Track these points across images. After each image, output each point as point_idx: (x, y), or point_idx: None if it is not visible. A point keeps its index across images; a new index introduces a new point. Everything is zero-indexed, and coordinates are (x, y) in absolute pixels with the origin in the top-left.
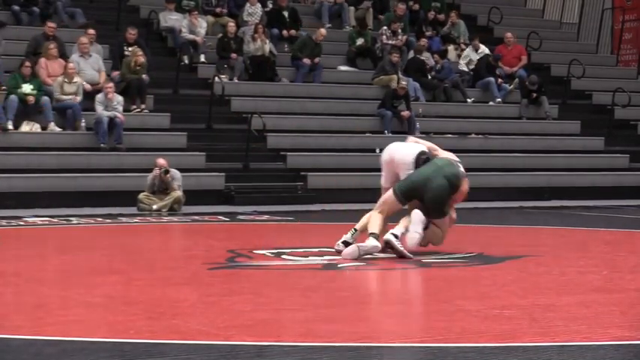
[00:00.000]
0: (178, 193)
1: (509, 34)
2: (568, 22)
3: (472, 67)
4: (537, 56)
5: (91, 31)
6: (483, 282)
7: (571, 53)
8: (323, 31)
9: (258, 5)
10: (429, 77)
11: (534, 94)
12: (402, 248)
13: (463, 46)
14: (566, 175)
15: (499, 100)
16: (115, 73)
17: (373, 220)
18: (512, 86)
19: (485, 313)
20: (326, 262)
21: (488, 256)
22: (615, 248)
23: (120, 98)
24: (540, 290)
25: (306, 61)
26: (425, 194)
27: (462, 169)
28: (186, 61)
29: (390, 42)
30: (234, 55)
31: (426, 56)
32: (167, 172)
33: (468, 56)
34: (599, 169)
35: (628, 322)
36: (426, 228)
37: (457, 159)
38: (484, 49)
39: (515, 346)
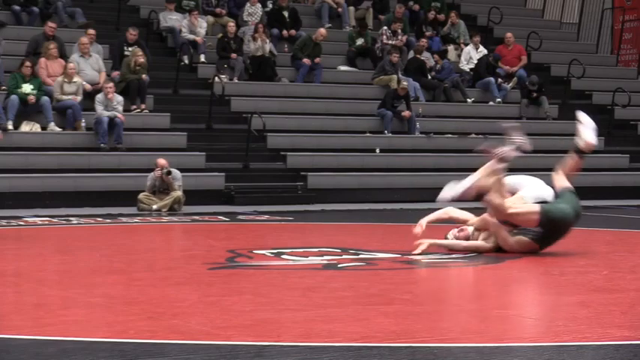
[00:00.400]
0: (178, 193)
1: (509, 34)
2: (568, 22)
3: (472, 65)
4: (537, 56)
5: (91, 31)
6: (483, 282)
7: (571, 53)
8: (323, 30)
9: (258, 5)
10: (429, 77)
11: (534, 94)
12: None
13: (463, 46)
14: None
15: (499, 100)
16: (115, 74)
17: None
18: (510, 84)
19: (485, 313)
20: (326, 262)
21: (488, 256)
22: (615, 248)
23: (120, 98)
24: (540, 290)
25: (306, 60)
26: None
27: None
28: (186, 61)
29: (390, 42)
30: (234, 55)
31: (426, 56)
32: (169, 172)
33: (469, 54)
34: (599, 169)
35: (628, 322)
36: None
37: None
38: (483, 50)
39: (515, 346)
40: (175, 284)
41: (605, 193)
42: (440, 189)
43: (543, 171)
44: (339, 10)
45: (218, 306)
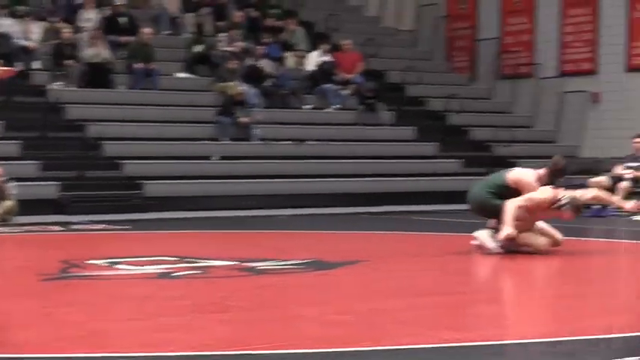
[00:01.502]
0: (11, 203)
1: (346, 41)
2: (404, 29)
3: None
4: (374, 63)
5: None
6: (319, 288)
7: (407, 60)
8: (147, 30)
9: (94, 11)
10: (267, 84)
11: (371, 101)
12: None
13: (302, 53)
14: (402, 181)
15: (336, 106)
16: None
17: None
18: (348, 92)
19: (321, 319)
20: (162, 270)
21: (323, 262)
22: (447, 252)
23: None
24: (374, 294)
25: (139, 65)
26: None
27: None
28: (20, 68)
29: (228, 48)
30: (69, 62)
31: (264, 63)
32: (10, 180)
33: (314, 60)
34: (433, 174)
35: (457, 324)
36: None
37: None
38: (324, 56)
39: (348, 350)
40: (7, 296)
41: (439, 198)
42: (279, 195)
43: (379, 176)
44: (177, 18)
45: (51, 318)
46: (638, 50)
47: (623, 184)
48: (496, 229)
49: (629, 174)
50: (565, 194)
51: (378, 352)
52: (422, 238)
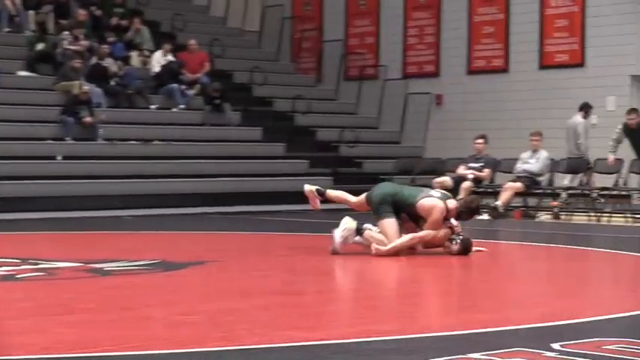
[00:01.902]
0: None
1: (192, 41)
2: (250, 30)
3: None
4: (220, 63)
5: None
6: (166, 288)
7: (253, 61)
8: None
9: None
10: (112, 83)
11: (217, 101)
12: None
13: (147, 52)
14: (249, 181)
15: (182, 106)
16: None
17: None
18: (194, 92)
19: (169, 319)
20: (4, 273)
21: (170, 263)
22: (296, 252)
23: None
24: (223, 295)
25: None
26: None
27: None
28: None
29: (71, 47)
30: None
31: (108, 62)
32: None
33: (159, 61)
34: (279, 174)
35: (307, 323)
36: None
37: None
38: (169, 56)
39: (197, 351)
40: None
41: (286, 198)
42: (125, 196)
43: (226, 176)
44: (16, 16)
45: None
46: (479, 53)
47: (466, 184)
48: (360, 230)
49: (471, 174)
50: (462, 236)
51: (227, 352)
52: (269, 238)
